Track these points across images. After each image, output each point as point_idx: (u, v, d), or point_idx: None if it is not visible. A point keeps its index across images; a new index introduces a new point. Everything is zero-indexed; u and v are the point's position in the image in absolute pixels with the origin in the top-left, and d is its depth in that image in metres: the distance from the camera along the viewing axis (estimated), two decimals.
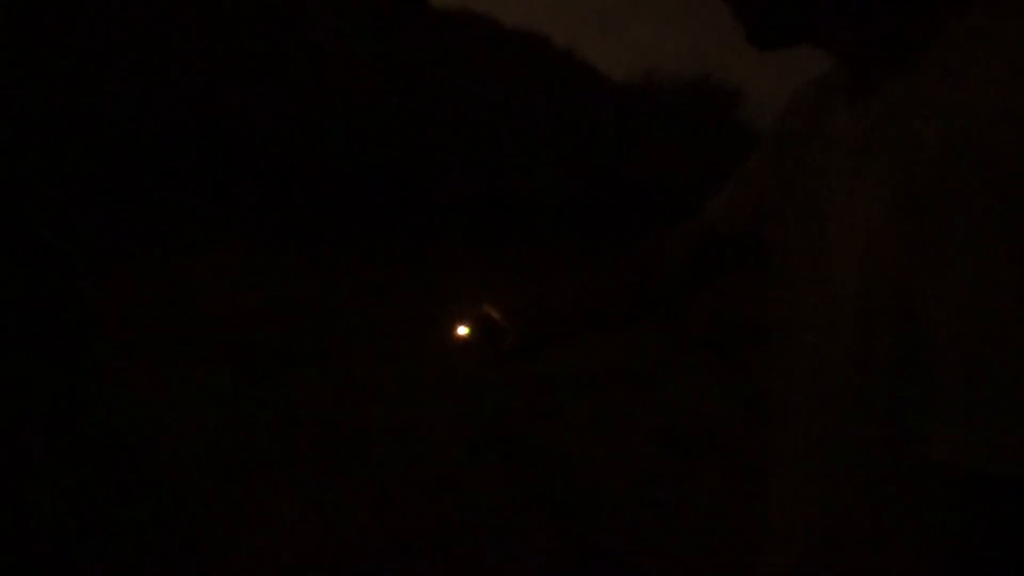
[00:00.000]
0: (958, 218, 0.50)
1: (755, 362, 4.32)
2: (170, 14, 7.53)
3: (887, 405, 0.58)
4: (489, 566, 2.46)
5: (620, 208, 7.23)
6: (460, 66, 8.83)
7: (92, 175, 5.67)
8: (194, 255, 5.32)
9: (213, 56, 7.17)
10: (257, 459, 2.93)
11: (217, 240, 5.58)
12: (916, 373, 0.53)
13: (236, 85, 6.81)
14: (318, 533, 2.51)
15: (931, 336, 0.52)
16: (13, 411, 2.71)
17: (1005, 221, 0.47)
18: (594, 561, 2.53)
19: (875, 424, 0.59)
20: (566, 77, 10.12)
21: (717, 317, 5.09)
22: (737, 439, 3.44)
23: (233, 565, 2.34)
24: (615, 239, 6.11)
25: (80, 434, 2.88)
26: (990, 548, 0.49)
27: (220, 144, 6.22)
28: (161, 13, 7.53)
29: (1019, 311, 0.46)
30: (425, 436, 3.27)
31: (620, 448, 3.35)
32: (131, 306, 4.35)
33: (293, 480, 2.82)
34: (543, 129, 8.19)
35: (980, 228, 0.48)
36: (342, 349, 4.19)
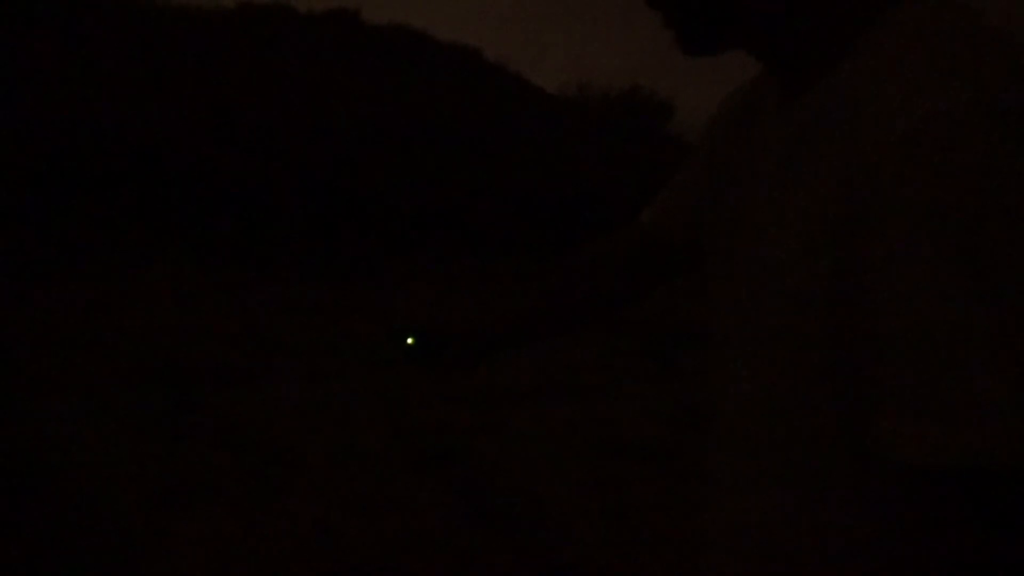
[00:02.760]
0: (892, 222, 0.51)
1: (693, 368, 4.40)
2: (98, 34, 7.29)
3: (826, 407, 0.58)
4: None
5: (554, 219, 7.30)
6: (394, 81, 8.80)
7: (15, 194, 5.42)
8: (121, 275, 5.12)
9: (141, 74, 6.97)
10: (190, 485, 2.82)
11: (145, 259, 5.39)
12: (856, 374, 0.54)
13: (165, 102, 6.62)
14: (256, 561, 2.43)
15: (871, 336, 0.53)
16: None
17: (936, 223, 0.48)
18: (543, 574, 2.52)
19: (814, 425, 0.59)
20: (501, 91, 10.19)
21: (654, 324, 5.18)
22: (679, 445, 3.49)
23: None
24: (549, 250, 6.16)
25: (0, 463, 2.73)
26: (934, 539, 0.50)
27: (148, 160, 6.02)
28: (83, 33, 7.27)
29: (958, 309, 0.48)
30: (366, 455, 3.21)
31: (564, 459, 3.36)
32: (56, 328, 4.15)
33: (229, 506, 2.73)
34: (478, 143, 8.21)
35: (913, 231, 0.49)
36: (278, 369, 4.09)
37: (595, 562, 2.59)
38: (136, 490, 2.75)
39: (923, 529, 0.50)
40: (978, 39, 0.53)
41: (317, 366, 4.14)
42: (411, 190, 6.86)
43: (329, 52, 8.96)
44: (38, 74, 6.30)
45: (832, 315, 0.56)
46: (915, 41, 0.54)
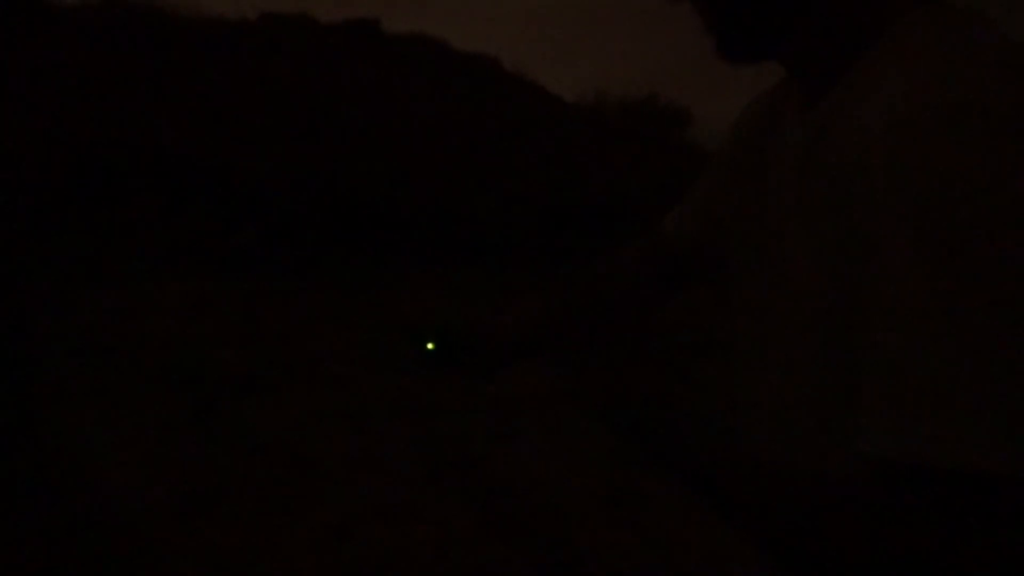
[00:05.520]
0: (882, 228, 0.51)
1: (708, 376, 4.37)
2: (121, 44, 7.40)
3: (832, 409, 0.59)
4: None
5: (572, 228, 7.30)
6: (413, 90, 8.85)
7: (40, 203, 5.51)
8: (143, 284, 5.18)
9: (163, 84, 7.07)
10: (210, 491, 2.84)
11: (166, 269, 5.45)
12: (855, 374, 0.55)
13: (186, 111, 6.71)
14: (275, 567, 2.44)
15: (869, 337, 0.53)
16: None
17: (924, 228, 0.49)
18: None
19: (822, 427, 0.61)
20: (519, 99, 10.22)
21: (669, 332, 5.15)
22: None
23: None
24: (568, 260, 6.15)
25: (25, 469, 2.76)
26: (908, 539, 0.50)
27: (172, 170, 6.10)
28: (106, 43, 7.39)
29: (948, 315, 0.48)
30: (383, 464, 3.22)
31: (583, 469, 3.35)
32: (79, 336, 4.21)
33: (248, 512, 2.74)
34: (496, 151, 8.24)
35: (901, 237, 0.50)
36: (297, 376, 4.11)
37: (613, 572, 2.58)
38: (157, 495, 2.77)
39: (900, 526, 0.51)
40: (977, 44, 0.53)
41: (335, 374, 4.16)
42: (430, 198, 6.89)
43: (349, 61, 9.04)
44: (63, 86, 6.41)
45: (841, 317, 0.57)
46: (916, 47, 0.55)
